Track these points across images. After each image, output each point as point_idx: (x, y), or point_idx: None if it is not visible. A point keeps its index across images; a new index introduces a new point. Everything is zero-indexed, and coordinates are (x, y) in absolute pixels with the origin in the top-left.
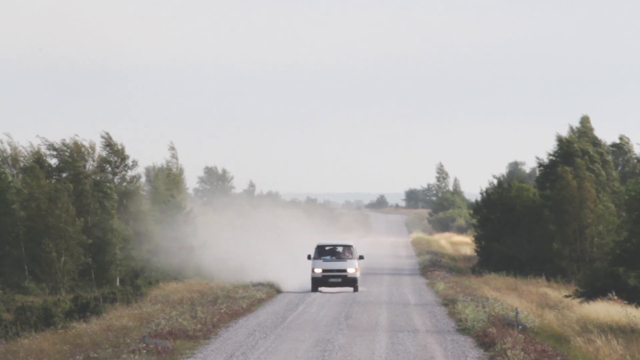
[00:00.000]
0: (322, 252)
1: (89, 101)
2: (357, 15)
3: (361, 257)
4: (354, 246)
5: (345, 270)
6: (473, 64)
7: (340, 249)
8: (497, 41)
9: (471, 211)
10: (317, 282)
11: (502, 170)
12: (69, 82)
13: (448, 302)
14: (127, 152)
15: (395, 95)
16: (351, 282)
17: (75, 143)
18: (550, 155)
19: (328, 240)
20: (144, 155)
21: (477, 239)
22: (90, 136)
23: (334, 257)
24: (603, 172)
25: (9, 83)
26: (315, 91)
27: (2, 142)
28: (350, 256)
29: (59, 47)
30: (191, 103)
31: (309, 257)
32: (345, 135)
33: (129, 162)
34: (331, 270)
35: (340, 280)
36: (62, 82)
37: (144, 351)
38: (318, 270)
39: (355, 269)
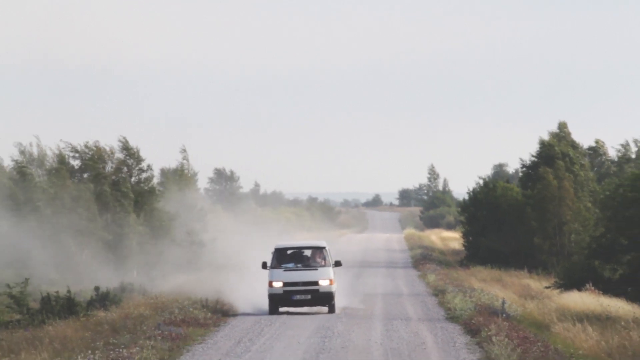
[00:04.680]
0: (284, 257)
1: (107, 106)
2: (355, 25)
3: (338, 264)
4: (327, 248)
5: (315, 283)
6: (461, 73)
7: (308, 253)
8: (482, 54)
9: (459, 209)
10: (277, 301)
11: (487, 171)
12: (89, 88)
13: (438, 293)
14: (142, 155)
15: (390, 102)
16: (325, 298)
17: (97, 146)
18: (532, 157)
19: (291, 240)
20: (160, 157)
21: (465, 235)
22: (108, 139)
23: (299, 265)
24: (582, 173)
25: (35, 88)
26: (315, 98)
27: (30, 145)
28: (323, 262)
29: (78, 55)
30: (202, 110)
31: (264, 265)
32: (343, 138)
33: (144, 164)
34: (296, 284)
35: (309, 297)
36: (83, 88)
37: (159, 337)
38: (277, 284)
39: (330, 280)
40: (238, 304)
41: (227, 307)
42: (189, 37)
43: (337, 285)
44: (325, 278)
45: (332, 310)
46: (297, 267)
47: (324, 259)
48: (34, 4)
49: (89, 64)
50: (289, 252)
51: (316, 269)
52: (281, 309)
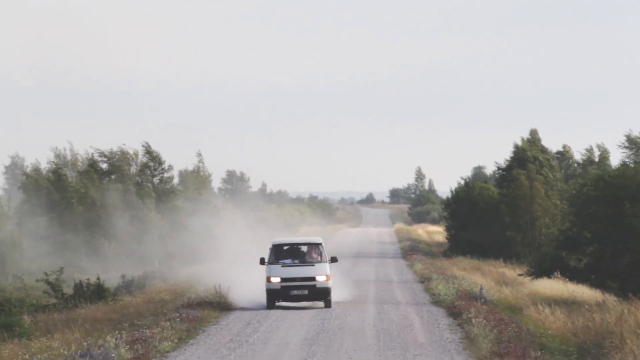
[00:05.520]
0: (281, 253)
1: (131, 114)
2: (352, 42)
3: (334, 260)
4: (323, 244)
5: (313, 279)
6: (445, 87)
7: (304, 249)
8: (463, 70)
9: (443, 206)
10: (275, 295)
11: (468, 172)
12: (114, 98)
13: (424, 280)
14: (163, 158)
15: (382, 111)
16: (321, 293)
17: (122, 151)
18: (507, 160)
19: (288, 237)
20: (178, 160)
21: (448, 229)
22: (131, 144)
23: (296, 261)
24: (551, 175)
25: (65, 99)
26: (317, 108)
27: (64, 150)
28: (319, 258)
29: (104, 70)
30: (217, 118)
31: (262, 261)
32: (340, 143)
33: (165, 166)
34: (293, 279)
35: (306, 292)
36: (109, 98)
37: (178, 319)
38: (275, 280)
39: (327, 276)
40: (245, 293)
41: (236, 294)
42: (203, 52)
43: (334, 272)
44: (322, 274)
45: (328, 305)
46: (294, 263)
47: (320, 254)
48: (60, 21)
49: (113, 76)
50: (285, 248)
51: (313, 265)
52: (277, 303)
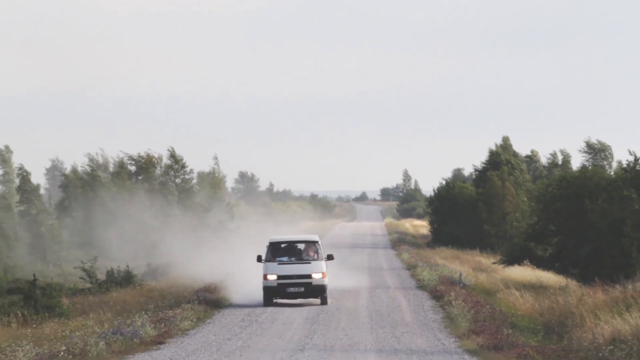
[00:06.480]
0: (277, 251)
1: (157, 123)
2: (348, 60)
3: (330, 257)
4: (319, 242)
5: (309, 276)
6: (428, 99)
7: (301, 247)
8: (445, 84)
9: (427, 203)
10: (271, 293)
11: (448, 174)
12: (142, 108)
13: (410, 267)
14: (185, 161)
15: (374, 120)
16: (317, 291)
17: (148, 155)
18: (483, 163)
19: (285, 235)
20: (197, 163)
21: (431, 223)
22: (155, 149)
23: (293, 258)
24: (521, 176)
25: (98, 109)
26: (317, 118)
27: (96, 154)
28: (315, 256)
29: (129, 85)
30: (230, 127)
31: (259, 258)
32: (338, 147)
33: (187, 168)
34: (290, 277)
35: (302, 289)
36: (136, 109)
37: (197, 301)
38: (272, 277)
39: (323, 273)
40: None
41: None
42: (218, 68)
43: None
44: (318, 271)
45: (324, 302)
46: (290, 260)
47: (317, 252)
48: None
49: (137, 92)
50: (282, 245)
51: (309, 263)
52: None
